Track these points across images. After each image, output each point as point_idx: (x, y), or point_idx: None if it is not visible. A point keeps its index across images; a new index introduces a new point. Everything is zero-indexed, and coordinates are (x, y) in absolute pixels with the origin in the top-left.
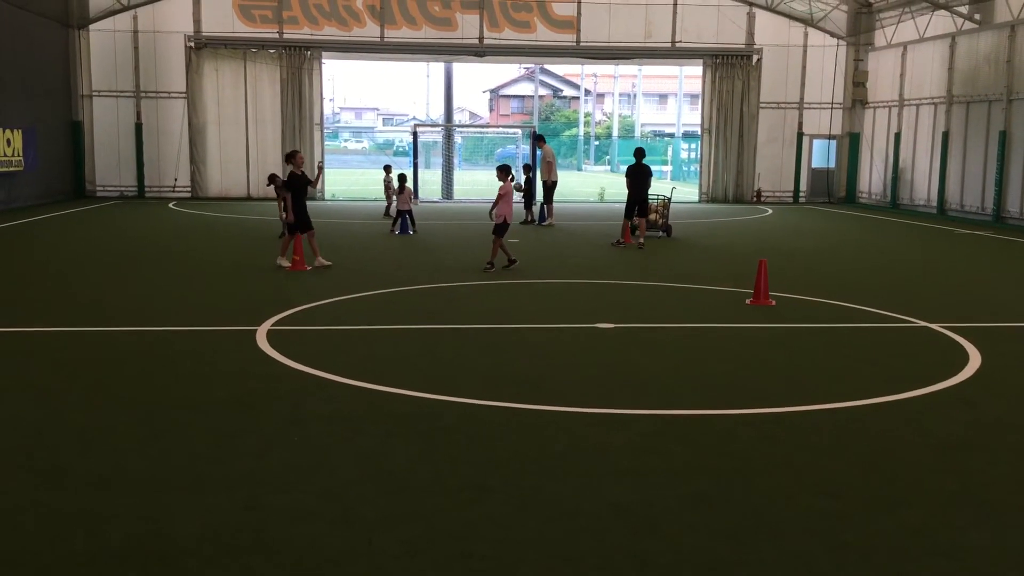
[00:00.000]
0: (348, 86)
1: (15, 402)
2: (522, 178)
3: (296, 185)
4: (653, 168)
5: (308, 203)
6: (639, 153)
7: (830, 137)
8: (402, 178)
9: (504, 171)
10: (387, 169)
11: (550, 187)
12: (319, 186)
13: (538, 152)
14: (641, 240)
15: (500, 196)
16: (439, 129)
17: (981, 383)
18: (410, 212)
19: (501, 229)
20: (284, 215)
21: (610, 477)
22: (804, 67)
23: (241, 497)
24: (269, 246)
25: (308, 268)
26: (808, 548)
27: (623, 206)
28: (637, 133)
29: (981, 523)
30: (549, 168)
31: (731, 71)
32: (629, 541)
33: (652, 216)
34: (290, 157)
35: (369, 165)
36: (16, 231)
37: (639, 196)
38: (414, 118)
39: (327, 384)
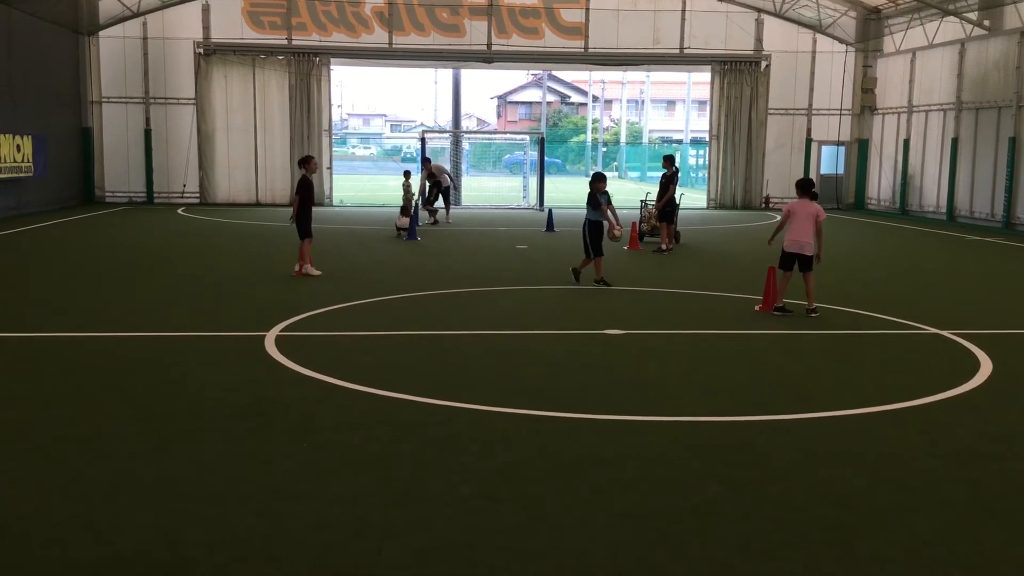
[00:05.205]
0: (356, 92)
1: (23, 408)
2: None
3: (308, 191)
4: (659, 173)
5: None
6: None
7: (839, 143)
8: (407, 175)
9: (807, 187)
10: (406, 175)
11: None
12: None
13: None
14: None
15: (790, 214)
16: (447, 135)
17: (993, 391)
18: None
19: (808, 262)
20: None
21: (620, 486)
22: (813, 73)
23: (251, 505)
24: (277, 252)
25: (299, 274)
26: (820, 558)
27: (640, 212)
28: (645, 139)
29: (994, 532)
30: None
31: (739, 77)
32: (640, 551)
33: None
34: (304, 162)
35: (377, 171)
36: (25, 237)
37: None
38: (422, 124)
39: (337, 391)
